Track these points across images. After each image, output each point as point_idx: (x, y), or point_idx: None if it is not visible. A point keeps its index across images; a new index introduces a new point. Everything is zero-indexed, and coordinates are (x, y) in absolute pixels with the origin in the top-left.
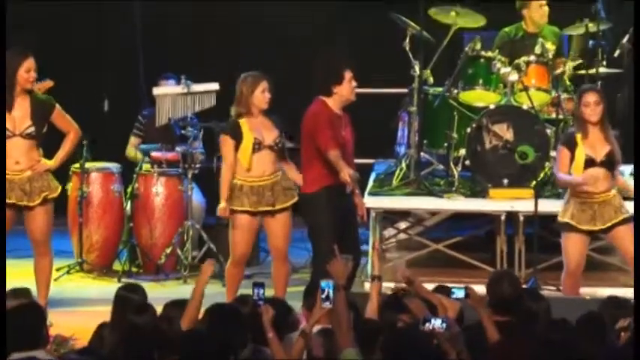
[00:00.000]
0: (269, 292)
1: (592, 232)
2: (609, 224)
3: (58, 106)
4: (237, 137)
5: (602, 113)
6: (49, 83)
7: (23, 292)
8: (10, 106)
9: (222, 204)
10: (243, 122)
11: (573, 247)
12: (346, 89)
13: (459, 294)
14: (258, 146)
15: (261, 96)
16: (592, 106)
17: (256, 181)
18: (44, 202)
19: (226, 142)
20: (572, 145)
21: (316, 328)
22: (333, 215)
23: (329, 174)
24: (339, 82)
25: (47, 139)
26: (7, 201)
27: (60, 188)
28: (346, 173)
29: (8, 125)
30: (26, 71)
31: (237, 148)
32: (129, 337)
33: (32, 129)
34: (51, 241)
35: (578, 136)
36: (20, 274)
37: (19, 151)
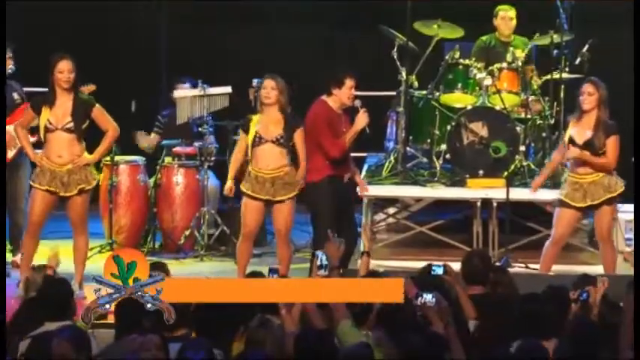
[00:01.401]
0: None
1: (582, 208)
2: (597, 202)
3: (98, 105)
4: (246, 130)
5: (594, 103)
6: (92, 87)
7: (43, 267)
8: (53, 102)
9: (228, 183)
10: (255, 118)
11: (563, 219)
12: (344, 94)
13: (438, 270)
14: (258, 140)
15: (263, 92)
16: (585, 95)
17: (260, 172)
18: (80, 193)
19: (240, 136)
20: (565, 127)
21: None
22: (334, 202)
23: (331, 164)
24: (339, 86)
25: (90, 136)
26: (49, 188)
27: (98, 180)
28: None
29: (51, 120)
30: (59, 72)
31: (246, 140)
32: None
33: (72, 124)
34: (87, 225)
35: (572, 120)
36: (62, 253)
37: (61, 144)
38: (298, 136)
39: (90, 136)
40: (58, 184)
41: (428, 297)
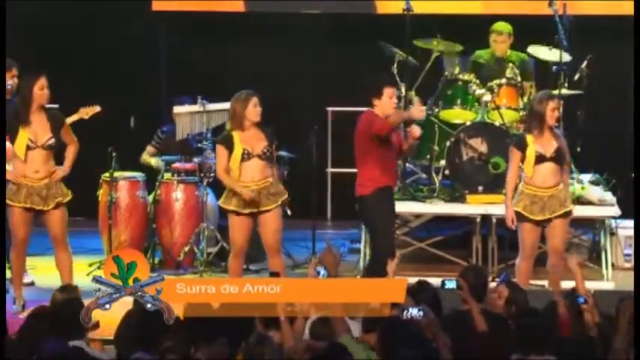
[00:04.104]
0: None
1: (541, 221)
2: (551, 215)
3: (67, 120)
4: (229, 147)
5: (558, 118)
6: (96, 108)
7: (71, 289)
8: (27, 120)
9: (246, 191)
10: (235, 134)
11: (528, 235)
12: (385, 104)
13: (451, 285)
14: (247, 156)
15: (253, 110)
16: (556, 111)
17: (245, 187)
18: (58, 206)
19: (219, 151)
20: (523, 146)
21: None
22: (388, 214)
23: (381, 175)
24: (378, 97)
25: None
26: (26, 205)
27: (70, 194)
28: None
29: (32, 138)
30: (40, 89)
31: (229, 157)
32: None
33: (53, 141)
34: (67, 238)
35: (529, 137)
36: (43, 269)
37: (38, 161)
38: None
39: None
40: (35, 199)
41: (414, 311)
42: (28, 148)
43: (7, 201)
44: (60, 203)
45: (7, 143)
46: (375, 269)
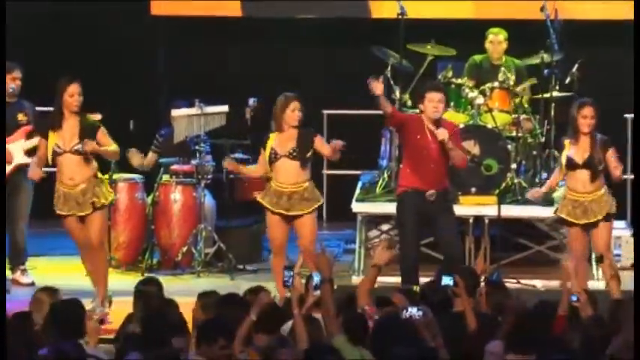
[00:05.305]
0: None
1: (586, 225)
2: (595, 219)
3: (102, 127)
4: (264, 148)
5: (594, 126)
6: (97, 115)
7: (53, 290)
8: (60, 125)
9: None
10: (272, 136)
11: (574, 238)
12: (428, 108)
13: (448, 281)
14: (274, 156)
15: (291, 114)
16: (588, 119)
17: (280, 186)
18: (96, 210)
19: (261, 154)
20: (560, 149)
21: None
22: (413, 216)
23: (410, 176)
24: (422, 102)
25: None
26: (65, 213)
27: (112, 196)
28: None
29: (59, 143)
30: (70, 96)
31: (263, 158)
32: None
33: (79, 146)
34: (104, 242)
35: (567, 142)
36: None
37: (70, 167)
38: (318, 142)
39: None
40: (73, 204)
41: (414, 310)
42: (56, 153)
43: (58, 211)
44: (96, 206)
45: (8, 146)
46: (402, 269)
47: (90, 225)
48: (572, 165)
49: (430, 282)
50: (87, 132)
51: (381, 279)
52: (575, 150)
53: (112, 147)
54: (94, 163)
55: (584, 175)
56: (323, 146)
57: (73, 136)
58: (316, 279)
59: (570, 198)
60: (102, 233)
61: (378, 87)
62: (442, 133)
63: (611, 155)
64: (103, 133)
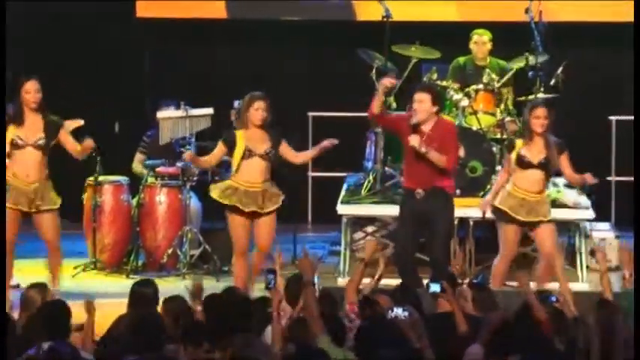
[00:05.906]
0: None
1: (526, 223)
2: (537, 219)
3: (65, 125)
4: (231, 145)
5: (547, 126)
6: (79, 122)
7: (42, 285)
8: (22, 120)
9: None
10: (239, 133)
11: (509, 234)
12: (414, 107)
13: (435, 288)
14: (248, 154)
15: (255, 113)
16: (542, 119)
17: (252, 186)
18: (47, 211)
19: (218, 146)
20: (510, 148)
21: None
22: (407, 215)
23: (405, 176)
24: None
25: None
26: (15, 207)
27: (59, 201)
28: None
29: (21, 136)
30: (26, 92)
31: (230, 153)
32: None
33: (43, 140)
34: (60, 240)
35: (518, 141)
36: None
37: (29, 162)
38: (284, 147)
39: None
40: (24, 200)
41: (399, 311)
42: (16, 145)
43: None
44: (41, 209)
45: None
46: (397, 269)
47: (46, 225)
48: (524, 164)
49: (400, 285)
50: (51, 128)
51: (366, 280)
52: (527, 149)
53: (82, 145)
54: (46, 165)
55: (536, 175)
56: (288, 152)
57: (37, 131)
58: (270, 279)
59: (516, 195)
60: (57, 232)
61: (386, 82)
62: (413, 139)
63: (565, 159)
64: (66, 133)
